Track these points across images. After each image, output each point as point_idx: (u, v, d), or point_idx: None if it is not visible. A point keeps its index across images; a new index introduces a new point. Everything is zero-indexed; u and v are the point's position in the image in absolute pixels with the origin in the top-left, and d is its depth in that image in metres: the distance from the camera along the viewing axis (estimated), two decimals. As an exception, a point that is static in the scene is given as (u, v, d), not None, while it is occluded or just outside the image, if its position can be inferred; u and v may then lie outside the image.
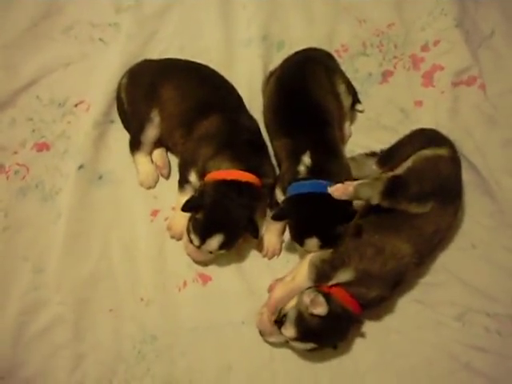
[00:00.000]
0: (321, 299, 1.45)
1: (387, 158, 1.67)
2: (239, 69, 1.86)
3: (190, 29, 1.89)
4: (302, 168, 1.55)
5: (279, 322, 1.51)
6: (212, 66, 1.78)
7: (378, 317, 1.62)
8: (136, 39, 1.84)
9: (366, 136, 1.81)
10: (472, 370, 1.57)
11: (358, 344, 1.61)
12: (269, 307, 1.54)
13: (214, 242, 1.54)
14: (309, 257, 1.54)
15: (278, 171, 1.69)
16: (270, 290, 1.63)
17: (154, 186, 1.74)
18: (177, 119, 1.66)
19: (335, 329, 1.50)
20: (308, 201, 1.51)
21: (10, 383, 1.52)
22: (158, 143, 1.74)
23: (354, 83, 1.86)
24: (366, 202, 1.53)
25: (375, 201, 1.50)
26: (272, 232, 1.68)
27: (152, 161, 1.74)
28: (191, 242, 1.57)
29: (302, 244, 1.53)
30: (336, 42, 1.93)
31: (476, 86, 1.86)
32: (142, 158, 1.72)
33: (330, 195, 1.47)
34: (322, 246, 1.51)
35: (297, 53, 1.80)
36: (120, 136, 1.77)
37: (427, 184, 1.53)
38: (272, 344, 1.59)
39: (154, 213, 1.71)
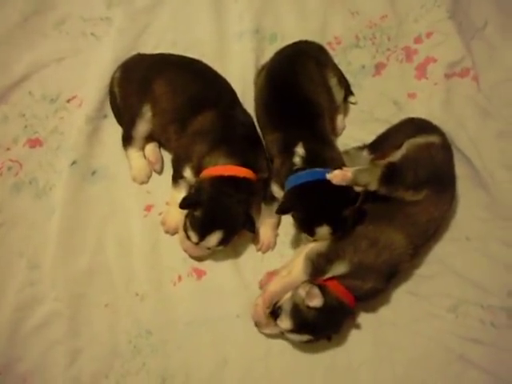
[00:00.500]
0: (316, 291, 1.46)
1: (378, 144, 1.69)
2: (232, 62, 1.85)
3: (182, 22, 1.88)
4: (297, 159, 1.55)
5: (274, 313, 1.52)
6: (205, 59, 1.77)
7: (372, 309, 1.63)
8: (128, 33, 1.83)
9: (359, 128, 1.81)
10: (466, 362, 1.58)
11: (353, 337, 1.62)
12: (264, 300, 1.55)
13: (213, 238, 1.54)
14: (304, 251, 1.55)
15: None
16: (262, 284, 1.64)
17: (147, 182, 1.74)
18: (170, 115, 1.65)
19: (330, 321, 1.51)
20: (310, 190, 1.51)
21: (6, 378, 1.53)
22: (151, 138, 1.73)
23: (347, 75, 1.86)
24: (364, 188, 1.53)
25: (373, 187, 1.51)
26: (267, 226, 1.68)
27: (144, 156, 1.74)
28: (189, 238, 1.57)
29: (312, 234, 1.52)
30: (329, 34, 1.92)
31: (469, 78, 1.86)
32: (134, 153, 1.72)
33: (329, 182, 1.47)
34: (333, 233, 1.51)
35: (288, 46, 1.79)
36: (113, 131, 1.76)
37: (422, 171, 1.54)
38: (267, 337, 1.59)
39: (148, 208, 1.71)
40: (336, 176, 1.48)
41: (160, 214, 1.70)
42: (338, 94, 1.77)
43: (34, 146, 1.74)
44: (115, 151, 1.74)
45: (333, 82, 1.74)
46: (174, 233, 1.67)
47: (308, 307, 1.47)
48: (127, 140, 1.71)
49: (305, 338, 1.51)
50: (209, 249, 1.59)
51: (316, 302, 1.46)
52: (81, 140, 1.72)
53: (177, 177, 1.65)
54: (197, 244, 1.56)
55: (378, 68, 1.91)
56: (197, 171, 1.60)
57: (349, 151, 1.71)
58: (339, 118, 1.82)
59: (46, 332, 1.57)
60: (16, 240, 1.65)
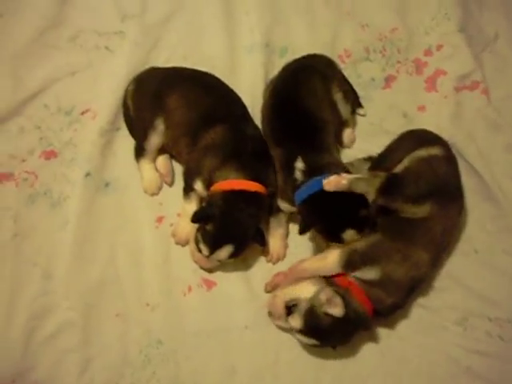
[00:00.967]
0: (339, 301, 1.45)
1: (379, 163, 1.68)
2: (241, 76, 1.86)
3: (194, 36, 1.90)
4: (298, 174, 1.57)
5: (289, 309, 1.51)
6: (215, 73, 1.79)
7: (377, 320, 1.61)
8: (141, 47, 1.86)
9: (368, 141, 1.82)
10: (473, 374, 1.58)
11: (361, 348, 1.63)
12: (291, 272, 1.55)
13: (224, 252, 1.57)
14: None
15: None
16: (269, 285, 1.65)
17: (158, 193, 1.76)
18: (182, 128, 1.68)
19: (343, 332, 1.51)
20: (320, 201, 1.52)
21: (20, 386, 1.57)
22: (163, 150, 1.76)
23: (357, 88, 1.87)
24: None
25: (371, 197, 1.51)
26: (276, 237, 1.70)
27: (156, 168, 1.76)
28: (200, 251, 1.59)
29: (341, 241, 1.54)
30: (339, 47, 1.93)
31: (479, 91, 1.86)
32: (146, 164, 1.75)
33: None
34: (359, 233, 1.53)
35: (294, 61, 1.81)
36: (126, 143, 1.79)
37: (423, 185, 1.54)
38: (276, 347, 1.61)
39: (160, 219, 1.74)
40: (329, 182, 1.49)
41: (171, 225, 1.72)
42: (344, 109, 1.77)
43: (48, 158, 1.77)
44: (128, 163, 1.77)
45: (338, 96, 1.74)
46: (184, 244, 1.70)
47: (325, 314, 1.46)
48: (139, 152, 1.74)
49: (311, 342, 1.51)
50: (219, 261, 1.62)
51: (337, 311, 1.45)
52: (94, 152, 1.75)
53: (188, 189, 1.67)
54: (207, 257, 1.59)
55: (388, 80, 1.91)
56: (207, 185, 1.62)
57: (353, 162, 1.72)
58: (348, 132, 1.83)
59: (58, 341, 1.60)
60: (30, 250, 1.67)
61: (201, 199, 1.68)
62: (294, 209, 1.63)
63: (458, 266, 1.71)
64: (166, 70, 1.79)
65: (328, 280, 1.53)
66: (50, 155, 1.77)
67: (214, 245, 1.56)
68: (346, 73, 1.87)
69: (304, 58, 1.82)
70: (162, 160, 1.77)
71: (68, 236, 1.68)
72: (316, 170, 1.55)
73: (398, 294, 1.52)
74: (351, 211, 1.53)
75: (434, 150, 1.61)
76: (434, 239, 1.55)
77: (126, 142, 1.79)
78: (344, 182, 1.48)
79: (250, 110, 1.77)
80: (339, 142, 1.83)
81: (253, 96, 1.81)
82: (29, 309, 1.61)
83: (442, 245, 1.58)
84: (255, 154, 1.64)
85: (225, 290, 1.68)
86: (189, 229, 1.64)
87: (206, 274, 1.68)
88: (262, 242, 1.63)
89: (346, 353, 1.63)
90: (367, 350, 1.63)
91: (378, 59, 1.93)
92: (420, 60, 1.93)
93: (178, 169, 1.78)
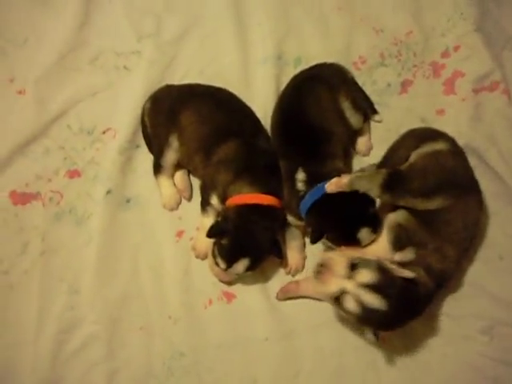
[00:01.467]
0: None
1: (383, 164, 1.66)
2: (255, 89, 1.87)
3: (209, 51, 1.92)
4: (299, 185, 1.58)
5: (354, 265, 1.42)
6: (230, 87, 1.81)
7: (402, 330, 1.57)
8: (157, 65, 1.89)
9: (385, 148, 1.75)
10: (501, 385, 1.54)
11: (384, 355, 1.63)
12: (340, 255, 1.48)
13: (240, 265, 1.58)
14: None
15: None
16: (281, 295, 1.66)
17: (177, 208, 1.79)
18: (195, 144, 1.71)
19: (408, 301, 1.41)
20: (326, 206, 1.52)
21: (49, 399, 1.63)
22: (180, 166, 1.79)
23: (373, 95, 1.85)
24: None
25: (375, 194, 1.49)
26: (293, 249, 1.70)
27: (174, 183, 1.79)
28: (217, 265, 1.61)
29: (359, 242, 1.52)
30: (354, 54, 1.90)
31: (499, 92, 1.81)
32: (164, 180, 1.78)
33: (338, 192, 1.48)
34: (374, 230, 1.52)
35: (302, 71, 1.80)
36: (146, 160, 1.82)
37: (431, 179, 1.51)
38: (297, 359, 1.62)
39: (179, 233, 1.77)
40: (331, 184, 1.48)
41: (191, 239, 1.76)
42: (354, 117, 1.74)
43: (72, 177, 1.82)
44: (148, 180, 1.80)
45: (345, 105, 1.72)
46: (204, 258, 1.72)
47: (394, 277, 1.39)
48: (157, 168, 1.77)
49: (374, 304, 1.37)
50: (237, 274, 1.63)
51: (407, 273, 1.41)
52: (115, 170, 1.79)
53: (204, 204, 1.70)
54: (225, 270, 1.61)
55: (405, 85, 1.88)
56: (222, 199, 1.64)
57: (365, 168, 1.69)
58: (363, 140, 1.81)
59: (85, 354, 1.65)
60: (57, 266, 1.73)
61: (218, 213, 1.69)
62: (300, 222, 1.63)
63: (481, 273, 1.67)
64: (180, 87, 1.82)
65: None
66: (73, 174, 1.82)
67: (230, 259, 1.58)
68: (360, 80, 1.85)
69: (311, 67, 1.81)
70: (180, 175, 1.79)
71: (92, 252, 1.73)
72: (317, 178, 1.55)
73: (426, 285, 1.47)
74: (360, 210, 1.51)
75: (439, 145, 1.58)
76: (457, 233, 1.52)
77: (145, 159, 1.82)
78: (345, 180, 1.47)
79: (263, 123, 1.78)
80: (355, 151, 1.82)
81: (265, 109, 1.81)
82: (56, 323, 1.67)
83: (465, 241, 1.54)
84: (268, 168, 1.65)
85: (245, 303, 1.70)
86: (208, 243, 1.66)
87: (225, 287, 1.71)
88: (280, 254, 1.63)
89: (366, 363, 1.63)
90: (390, 358, 1.62)
91: (394, 64, 1.89)
92: (437, 63, 1.88)
93: (197, 183, 1.81)
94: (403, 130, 1.78)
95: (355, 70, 1.88)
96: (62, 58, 1.89)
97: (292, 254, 1.70)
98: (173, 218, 1.79)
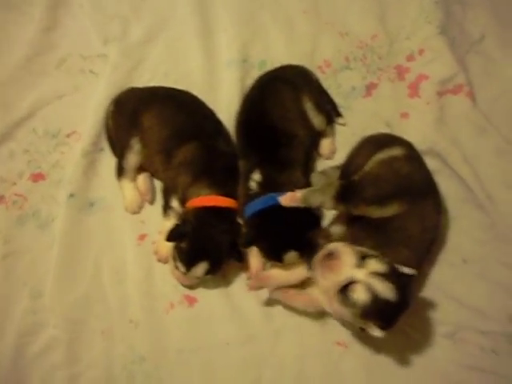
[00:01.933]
0: None
1: (343, 173, 1.65)
2: (220, 92, 1.87)
3: (174, 55, 1.92)
4: (252, 184, 1.57)
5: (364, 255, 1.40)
6: (194, 90, 1.82)
7: (364, 337, 1.58)
8: (122, 69, 1.89)
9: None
10: (465, 390, 1.52)
11: (345, 364, 1.59)
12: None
13: (200, 269, 1.57)
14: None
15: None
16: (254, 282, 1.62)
17: (139, 212, 1.78)
18: (156, 147, 1.71)
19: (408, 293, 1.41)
20: (268, 218, 1.52)
21: (9, 403, 1.61)
22: (142, 169, 1.79)
23: (338, 98, 1.85)
24: (321, 207, 1.52)
25: (329, 206, 1.48)
26: (254, 253, 1.67)
27: (137, 186, 1.78)
28: (177, 268, 1.61)
29: (281, 260, 1.53)
30: (319, 57, 1.91)
31: (463, 94, 1.80)
32: (126, 184, 1.77)
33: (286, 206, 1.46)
34: (301, 256, 1.51)
35: (265, 73, 1.80)
36: (110, 163, 1.81)
37: (385, 186, 1.51)
38: (258, 364, 1.60)
39: (142, 237, 1.76)
40: (285, 198, 1.47)
41: (153, 242, 1.74)
42: (316, 119, 1.74)
43: (37, 180, 1.82)
44: (111, 183, 1.80)
45: (308, 106, 1.72)
46: (166, 261, 1.71)
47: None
48: (119, 171, 1.77)
49: (387, 290, 1.35)
50: (198, 278, 1.62)
51: (407, 270, 1.42)
52: (77, 173, 1.78)
53: (166, 207, 1.70)
54: (185, 274, 1.60)
55: (369, 88, 1.88)
56: (182, 202, 1.64)
57: (325, 170, 1.69)
58: (326, 142, 1.80)
59: (46, 358, 1.63)
60: (20, 270, 1.72)
61: (179, 217, 1.68)
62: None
63: (445, 277, 1.65)
64: (143, 90, 1.82)
65: None
66: (38, 178, 1.82)
67: (189, 262, 1.57)
68: (326, 83, 1.86)
69: (276, 69, 1.81)
70: (142, 178, 1.79)
71: (54, 255, 1.71)
72: (272, 184, 1.54)
73: None
74: (297, 233, 1.51)
75: (394, 151, 1.58)
76: (414, 237, 1.50)
77: (109, 162, 1.82)
78: (298, 195, 1.47)
79: (227, 125, 1.77)
80: (319, 153, 1.81)
81: (230, 111, 1.81)
82: (18, 327, 1.65)
83: (424, 243, 1.54)
84: (227, 170, 1.65)
85: (206, 307, 1.67)
86: (169, 246, 1.65)
87: (187, 291, 1.69)
88: (240, 257, 1.62)
89: (329, 371, 1.59)
90: (352, 368, 1.59)
91: (359, 67, 1.90)
92: (402, 66, 1.89)
93: (160, 186, 1.79)
94: (368, 134, 1.77)
95: (320, 73, 1.88)
96: (28, 61, 1.91)
97: (252, 258, 1.67)
98: (135, 222, 1.78)
